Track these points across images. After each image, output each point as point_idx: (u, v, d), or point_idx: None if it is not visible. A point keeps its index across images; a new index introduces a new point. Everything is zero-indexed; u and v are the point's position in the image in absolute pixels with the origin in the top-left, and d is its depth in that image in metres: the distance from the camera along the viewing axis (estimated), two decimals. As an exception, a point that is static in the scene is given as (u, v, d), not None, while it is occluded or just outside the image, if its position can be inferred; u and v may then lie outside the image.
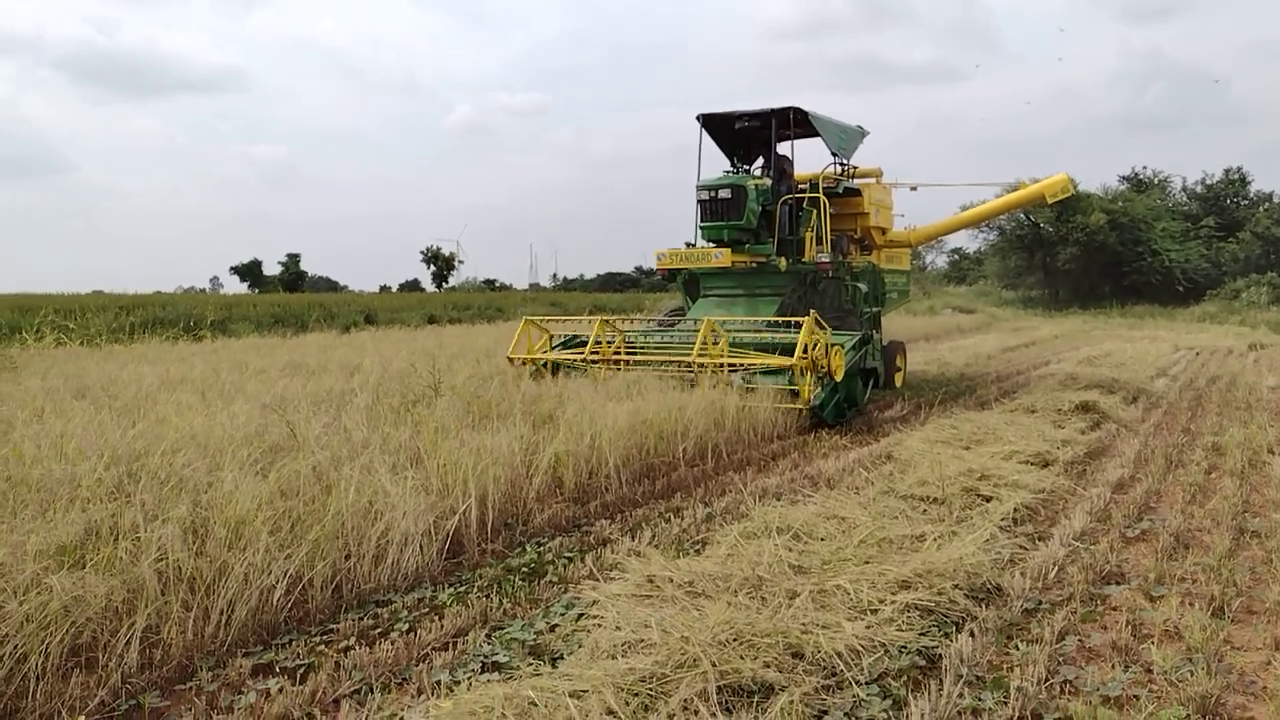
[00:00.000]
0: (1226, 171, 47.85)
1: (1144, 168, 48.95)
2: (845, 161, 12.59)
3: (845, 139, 12.42)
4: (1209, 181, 48.02)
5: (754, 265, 11.39)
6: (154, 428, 6.12)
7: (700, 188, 11.37)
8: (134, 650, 3.58)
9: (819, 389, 9.07)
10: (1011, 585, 4.57)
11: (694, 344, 9.31)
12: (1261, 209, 43.86)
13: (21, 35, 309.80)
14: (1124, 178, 48.44)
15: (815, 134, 11.88)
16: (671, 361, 9.53)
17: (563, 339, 11.08)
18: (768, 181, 11.62)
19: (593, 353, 10.01)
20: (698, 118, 12.11)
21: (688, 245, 11.63)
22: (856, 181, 12.87)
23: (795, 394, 8.92)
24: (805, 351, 8.89)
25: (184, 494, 4.63)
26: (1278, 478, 6.86)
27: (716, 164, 12.77)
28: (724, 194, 11.09)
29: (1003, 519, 5.66)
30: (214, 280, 70.98)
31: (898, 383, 12.49)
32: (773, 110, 11.41)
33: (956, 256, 63.18)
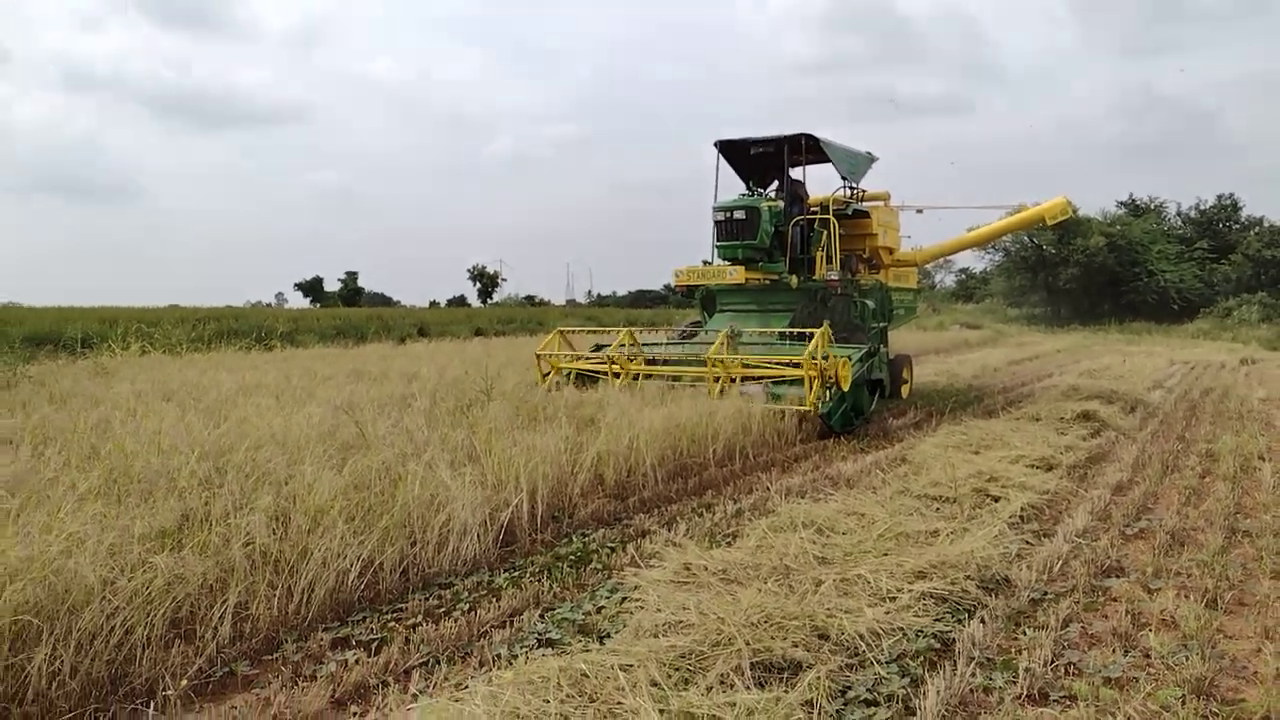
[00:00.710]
0: (1219, 198, 47.15)
1: (1132, 195, 48.38)
2: (854, 185, 12.43)
3: (854, 164, 12.30)
4: (1202, 207, 47.32)
5: (767, 282, 11.34)
6: (237, 427, 6.27)
7: (716, 209, 11.28)
8: (227, 624, 3.71)
9: (828, 398, 8.92)
10: (1019, 577, 4.59)
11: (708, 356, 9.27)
12: (1252, 233, 43.18)
13: (102, 75, 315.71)
14: (1122, 203, 47.90)
15: (826, 159, 11.80)
16: (688, 374, 9.50)
17: (586, 352, 11.01)
18: (780, 204, 11.55)
19: (614, 363, 9.97)
20: (715, 144, 12.06)
21: (705, 263, 11.51)
22: (865, 204, 12.69)
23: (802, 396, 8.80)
24: (814, 359, 8.71)
25: (267, 486, 4.76)
26: (1268, 483, 6.80)
27: (733, 188, 12.71)
28: (739, 215, 11.01)
29: (1010, 517, 5.68)
30: (279, 296, 71.69)
31: (904, 394, 12.35)
32: (785, 137, 11.35)
33: (964, 276, 62.74)
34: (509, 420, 7.18)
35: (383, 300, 69.47)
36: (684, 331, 12.14)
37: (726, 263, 11.16)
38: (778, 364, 9.16)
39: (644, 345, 10.68)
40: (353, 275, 63.73)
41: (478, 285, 68.04)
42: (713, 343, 9.59)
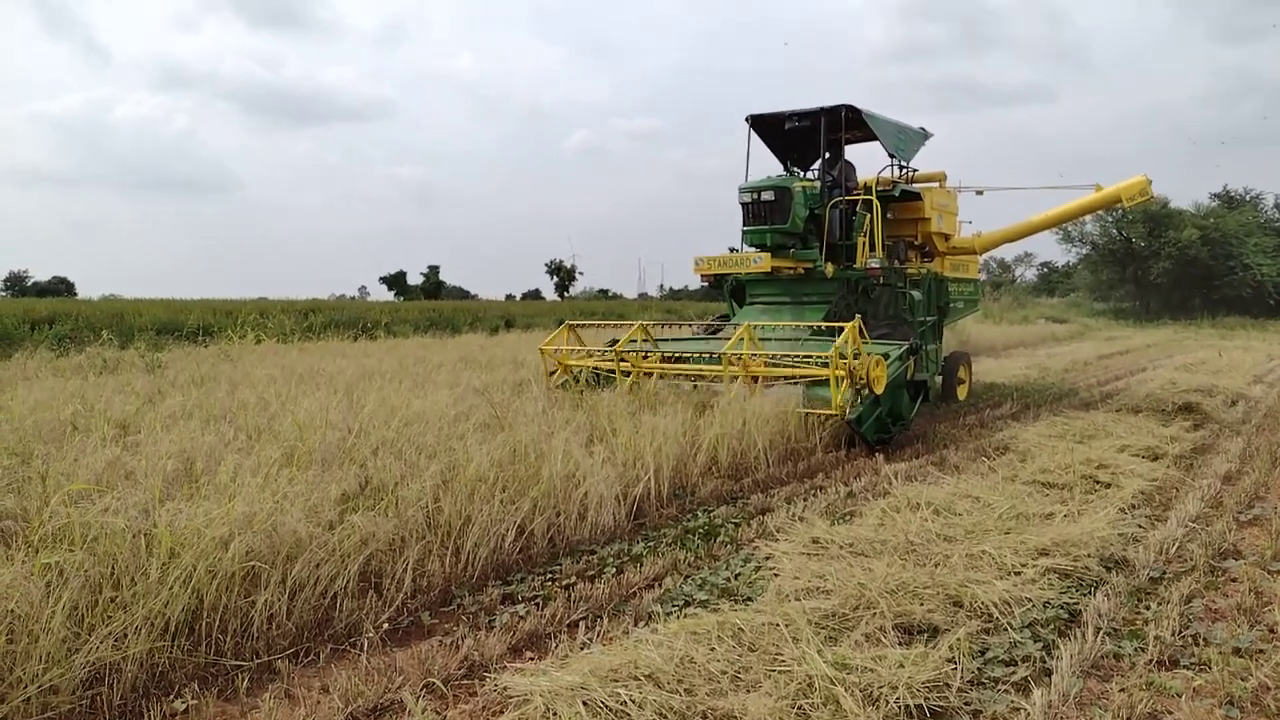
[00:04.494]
0: (1320, 188, 45.18)
1: (1226, 186, 46.53)
2: (904, 164, 11.02)
3: (904, 140, 10.86)
4: (1302, 198, 45.40)
5: (800, 271, 10.00)
6: (381, 408, 6.73)
7: (743, 190, 10.06)
8: (408, 578, 4.10)
9: (858, 402, 7.70)
10: (1137, 557, 4.72)
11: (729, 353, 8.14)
12: (1357, 225, 41.33)
13: (199, 73, 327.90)
14: (1215, 195, 46.25)
15: (872, 135, 10.47)
16: (706, 373, 8.42)
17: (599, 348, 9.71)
18: (817, 184, 10.27)
19: (624, 361, 8.90)
20: (747, 119, 10.83)
21: (731, 250, 10.38)
22: (917, 186, 11.27)
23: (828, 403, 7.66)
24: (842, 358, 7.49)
25: (426, 459, 5.16)
26: (1384, 475, 6.74)
27: (771, 168, 11.54)
28: (767, 196, 9.81)
29: (1123, 502, 5.78)
30: (362, 289, 73.39)
31: (961, 395, 11.26)
32: (824, 109, 10.06)
33: (1044, 269, 61.39)
34: (625, 404, 7.50)
35: (461, 294, 70.84)
36: (710, 326, 11.22)
37: (754, 249, 9.99)
38: (804, 362, 7.96)
39: (660, 342, 9.64)
40: (435, 269, 65.22)
41: (555, 279, 68.95)
42: (730, 339, 8.47)
